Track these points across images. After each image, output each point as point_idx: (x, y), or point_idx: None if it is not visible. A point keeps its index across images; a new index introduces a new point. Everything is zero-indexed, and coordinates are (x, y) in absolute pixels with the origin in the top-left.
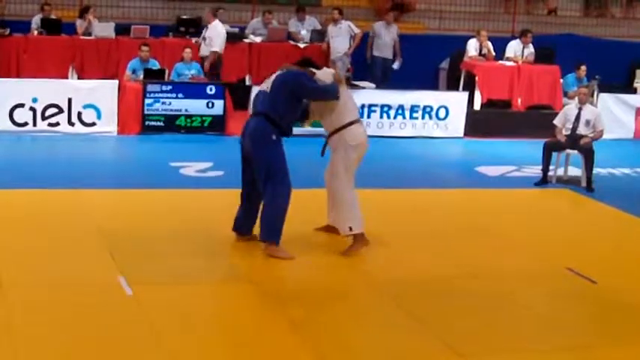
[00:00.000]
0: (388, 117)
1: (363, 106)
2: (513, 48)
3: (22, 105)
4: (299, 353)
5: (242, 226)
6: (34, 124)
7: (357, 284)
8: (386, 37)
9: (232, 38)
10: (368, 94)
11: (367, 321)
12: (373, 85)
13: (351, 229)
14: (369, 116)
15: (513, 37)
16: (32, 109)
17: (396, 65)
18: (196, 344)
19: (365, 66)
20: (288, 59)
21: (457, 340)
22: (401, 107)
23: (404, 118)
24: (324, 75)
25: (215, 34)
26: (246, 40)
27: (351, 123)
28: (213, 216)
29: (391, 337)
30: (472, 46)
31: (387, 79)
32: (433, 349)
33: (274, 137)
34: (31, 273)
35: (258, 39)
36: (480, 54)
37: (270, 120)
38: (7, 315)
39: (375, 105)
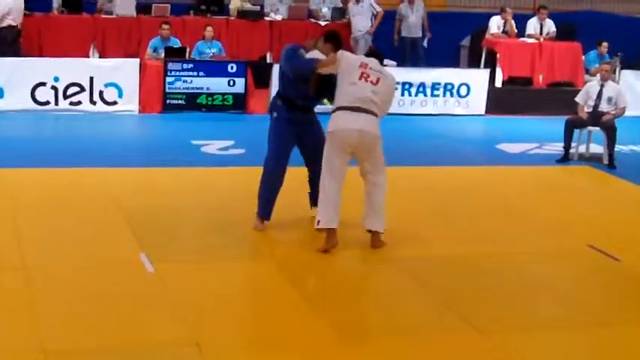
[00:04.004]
0: (409, 95)
1: None
2: (533, 25)
3: (43, 84)
4: (317, 328)
5: None
6: (56, 103)
7: (376, 262)
8: (412, 17)
9: (253, 16)
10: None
11: (385, 297)
12: (394, 63)
13: (318, 222)
14: None
15: (534, 15)
16: (54, 87)
17: (425, 42)
18: (218, 322)
19: (390, 44)
20: (308, 37)
21: (477, 317)
22: (422, 85)
23: (425, 95)
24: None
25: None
26: (266, 19)
27: (338, 109)
28: (234, 194)
29: (409, 313)
30: (495, 23)
31: (420, 58)
32: (453, 325)
33: (275, 114)
34: (53, 252)
35: (278, 17)
36: (503, 31)
37: (279, 95)
38: (30, 293)
39: (397, 83)
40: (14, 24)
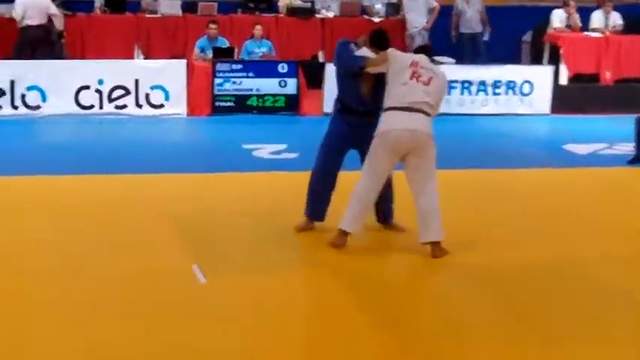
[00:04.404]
0: (469, 93)
1: None
2: (597, 18)
3: (87, 87)
4: (378, 341)
5: None
6: (101, 107)
7: (437, 269)
8: (469, 12)
9: (304, 13)
10: (447, 70)
11: (446, 306)
12: (453, 60)
13: (341, 222)
14: (449, 93)
15: (599, 7)
16: (98, 91)
17: (485, 36)
18: (273, 334)
19: (447, 40)
20: (361, 35)
21: (544, 327)
22: (482, 83)
23: (486, 94)
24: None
25: None
26: (317, 16)
27: (388, 109)
28: (287, 200)
29: (471, 322)
30: (557, 17)
31: (480, 54)
32: (517, 336)
33: (333, 115)
34: (100, 262)
35: (330, 14)
36: (566, 25)
37: (337, 96)
38: (76, 302)
39: (455, 81)
40: (33, 24)
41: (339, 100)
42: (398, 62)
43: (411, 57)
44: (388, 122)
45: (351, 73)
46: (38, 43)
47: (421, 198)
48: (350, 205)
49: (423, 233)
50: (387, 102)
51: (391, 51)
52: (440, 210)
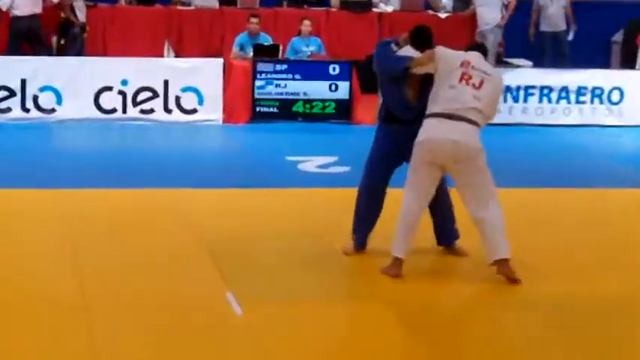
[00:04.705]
0: (549, 101)
1: (518, 89)
2: None
3: (109, 88)
4: None
5: None
6: (124, 111)
7: (507, 302)
8: (552, 7)
9: (359, 7)
10: (524, 74)
11: (519, 349)
12: (530, 63)
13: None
14: (525, 100)
15: None
16: (121, 92)
17: (570, 35)
18: None
19: (523, 39)
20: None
21: None
22: (564, 89)
23: (568, 102)
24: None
25: None
26: (375, 10)
27: (430, 115)
28: (336, 219)
29: None
30: None
31: (563, 56)
32: None
33: (377, 126)
34: (121, 289)
35: (389, 8)
36: None
37: (383, 104)
38: (93, 337)
39: (533, 87)
40: (21, 14)
41: (384, 107)
42: (447, 62)
43: (462, 56)
44: (428, 131)
45: (395, 77)
46: (30, 36)
47: (480, 215)
48: (397, 227)
49: (489, 252)
50: (431, 107)
51: (439, 49)
52: (504, 227)
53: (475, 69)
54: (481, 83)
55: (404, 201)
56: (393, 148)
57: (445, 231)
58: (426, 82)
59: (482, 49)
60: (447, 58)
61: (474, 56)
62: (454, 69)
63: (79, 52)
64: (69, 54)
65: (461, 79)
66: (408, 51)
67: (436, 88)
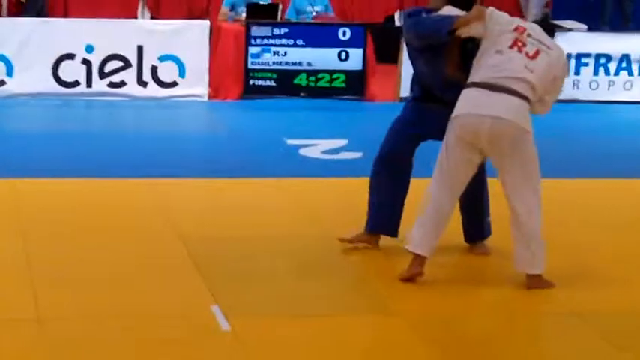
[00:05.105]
0: (606, 73)
1: (569, 57)
2: None
3: (71, 56)
4: None
5: None
6: (89, 84)
7: (543, 313)
8: None
9: None
10: (576, 40)
11: None
12: (584, 26)
13: (408, 241)
14: (577, 72)
15: None
16: (86, 61)
17: None
18: None
19: None
20: None
21: None
22: (626, 59)
23: (630, 74)
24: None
25: None
26: None
27: (470, 84)
28: (343, 216)
29: None
30: None
31: (626, 18)
32: None
33: (406, 103)
34: (91, 299)
35: None
36: None
37: (415, 81)
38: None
39: (587, 55)
40: None
41: (417, 83)
42: (499, 22)
43: (517, 21)
44: (464, 104)
45: (434, 45)
46: None
47: (518, 210)
48: (419, 221)
49: (518, 259)
50: (472, 76)
51: (490, 8)
52: (540, 234)
53: (531, 38)
54: (536, 53)
55: (431, 189)
56: (421, 122)
57: (476, 225)
58: (469, 53)
59: (547, 27)
60: (498, 18)
61: (533, 26)
62: (505, 32)
63: (40, 13)
64: (28, 15)
65: (513, 45)
66: (450, 10)
67: (481, 53)
